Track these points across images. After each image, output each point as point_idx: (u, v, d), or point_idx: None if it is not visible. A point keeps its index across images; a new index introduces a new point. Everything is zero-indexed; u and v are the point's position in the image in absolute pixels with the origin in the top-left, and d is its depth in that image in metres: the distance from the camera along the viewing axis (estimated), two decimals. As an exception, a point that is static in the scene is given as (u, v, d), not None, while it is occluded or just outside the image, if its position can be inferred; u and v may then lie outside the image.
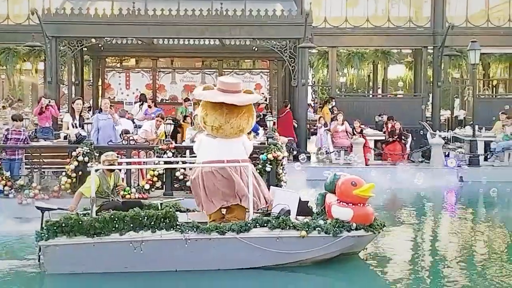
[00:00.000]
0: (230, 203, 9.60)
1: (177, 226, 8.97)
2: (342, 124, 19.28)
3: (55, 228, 8.75)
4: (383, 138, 19.65)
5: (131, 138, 14.31)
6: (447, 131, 21.65)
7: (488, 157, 18.76)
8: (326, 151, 19.38)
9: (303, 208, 9.89)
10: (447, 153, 18.82)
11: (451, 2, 22.67)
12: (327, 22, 22.12)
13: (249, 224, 9.11)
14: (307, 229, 9.14)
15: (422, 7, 23.08)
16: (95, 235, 8.80)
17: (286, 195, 9.91)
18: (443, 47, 21.29)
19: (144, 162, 13.44)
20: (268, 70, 22.31)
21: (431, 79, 22.74)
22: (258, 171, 12.18)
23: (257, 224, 9.13)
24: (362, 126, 19.43)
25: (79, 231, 8.78)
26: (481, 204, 15.50)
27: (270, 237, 9.06)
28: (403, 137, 19.52)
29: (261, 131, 16.85)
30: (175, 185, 12.66)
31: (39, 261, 9.18)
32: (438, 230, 12.84)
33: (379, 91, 29.24)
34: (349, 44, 23.35)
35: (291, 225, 9.14)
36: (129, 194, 12.16)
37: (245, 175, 9.52)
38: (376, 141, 19.57)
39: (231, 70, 22.32)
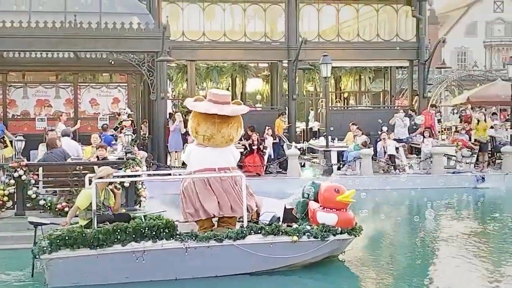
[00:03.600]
0: (226, 214, 9.98)
1: (177, 236, 9.31)
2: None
3: (58, 241, 8.89)
4: (242, 150, 19.93)
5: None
6: (303, 142, 22.37)
7: (341, 166, 19.63)
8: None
9: (288, 215, 10.42)
10: (302, 164, 19.46)
11: (304, 18, 23.51)
12: (185, 35, 22.15)
13: (244, 231, 9.56)
14: (298, 234, 9.71)
15: (277, 22, 23.74)
16: (98, 247, 9.00)
17: (273, 203, 10.50)
18: (297, 61, 22.02)
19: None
20: (126, 84, 21.94)
21: (287, 92, 23.43)
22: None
23: (252, 231, 9.61)
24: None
25: (82, 243, 8.97)
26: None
27: (264, 243, 9.59)
28: (261, 149, 19.92)
29: (119, 145, 16.53)
30: (28, 205, 12.07)
31: (32, 275, 9.40)
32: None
33: (238, 104, 29.67)
34: (208, 58, 23.53)
35: (283, 231, 9.72)
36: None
37: (239, 184, 9.98)
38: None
39: (87, 84, 21.71)
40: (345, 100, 30.61)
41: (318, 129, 24.19)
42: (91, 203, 9.43)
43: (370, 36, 23.58)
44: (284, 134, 21.80)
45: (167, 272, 9.30)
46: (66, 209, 11.85)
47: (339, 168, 19.66)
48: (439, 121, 28.88)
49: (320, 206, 10.12)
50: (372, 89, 30.38)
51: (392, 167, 19.65)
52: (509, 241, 12.54)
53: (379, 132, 20.33)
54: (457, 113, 30.15)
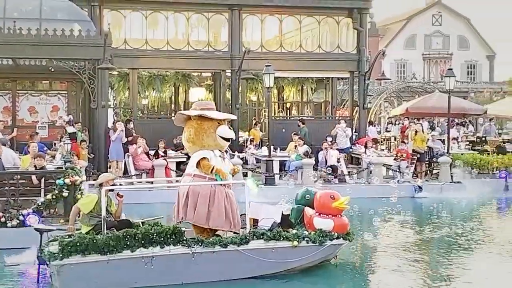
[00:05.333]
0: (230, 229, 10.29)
1: (184, 241, 9.60)
2: (140, 147, 19.20)
3: (69, 247, 9.05)
4: (184, 159, 19.85)
5: None
6: (246, 152, 22.43)
7: (283, 176, 19.77)
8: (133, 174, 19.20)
9: (285, 221, 10.76)
10: (245, 173, 19.50)
11: (248, 28, 23.69)
12: (127, 43, 21.98)
13: (248, 237, 9.95)
14: (297, 239, 10.15)
15: (220, 32, 23.84)
16: (108, 253, 9.19)
17: (271, 209, 10.88)
18: (240, 71, 22.13)
19: None
20: (66, 92, 21.60)
21: (230, 102, 23.48)
22: (54, 196, 11.78)
23: (255, 236, 10.01)
24: (166, 147, 19.60)
25: (93, 249, 9.14)
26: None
27: (266, 248, 10.02)
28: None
29: (58, 155, 16.25)
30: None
31: (38, 281, 9.64)
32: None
33: (181, 113, 29.54)
34: (150, 66, 23.40)
35: (284, 236, 10.14)
36: None
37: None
38: (178, 163, 19.74)
39: (25, 92, 21.27)
40: (288, 110, 30.89)
41: (261, 138, 24.30)
42: (94, 208, 9.73)
43: (312, 47, 23.91)
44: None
45: (174, 277, 9.60)
46: (3, 219, 11.61)
47: (281, 177, 19.80)
48: (378, 132, 29.53)
49: (316, 212, 10.64)
50: (314, 99, 30.76)
51: (333, 177, 19.89)
52: (442, 250, 12.87)
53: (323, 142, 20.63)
54: (398, 124, 30.84)
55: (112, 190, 10.17)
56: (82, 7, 20.65)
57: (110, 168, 19.77)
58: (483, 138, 26.63)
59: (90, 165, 18.29)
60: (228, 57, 22.69)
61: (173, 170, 19.19)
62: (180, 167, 19.61)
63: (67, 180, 11.90)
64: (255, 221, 10.64)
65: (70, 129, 19.50)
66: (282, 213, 10.87)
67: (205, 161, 10.20)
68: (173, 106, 29.95)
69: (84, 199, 10.10)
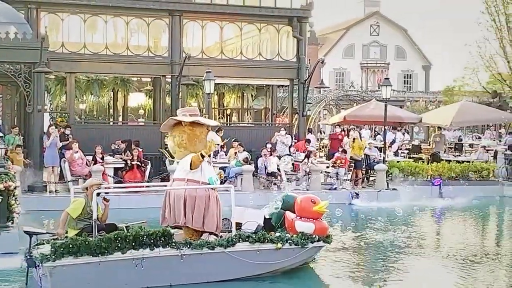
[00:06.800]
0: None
1: (173, 243, 9.89)
2: (77, 152, 18.88)
3: (62, 249, 9.26)
4: (122, 165, 19.62)
5: None
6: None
7: (223, 182, 19.75)
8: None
9: (267, 224, 11.23)
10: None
11: (188, 34, 23.60)
12: (64, 47, 21.55)
13: (234, 239, 10.32)
14: (281, 242, 10.58)
15: (160, 37, 23.67)
16: (100, 254, 9.42)
17: (254, 213, 11.38)
18: (180, 77, 22.01)
19: None
20: (1, 95, 21.05)
21: (170, 107, 23.30)
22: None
23: (240, 239, 10.38)
24: (103, 153, 19.33)
25: (85, 251, 9.37)
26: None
27: (251, 250, 10.40)
28: (142, 164, 19.69)
29: None
30: None
31: (26, 284, 9.86)
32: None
33: (120, 118, 29.23)
34: (88, 70, 23.01)
35: (268, 239, 10.56)
36: None
37: None
38: (116, 169, 19.49)
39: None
40: (228, 117, 30.92)
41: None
42: (81, 213, 10.07)
43: (253, 55, 24.03)
44: (166, 149, 21.63)
45: (163, 278, 9.90)
46: None
47: (222, 183, 19.74)
48: (318, 139, 29.88)
49: (297, 216, 11.04)
50: (254, 106, 30.91)
51: (273, 183, 20.02)
52: (381, 256, 13.17)
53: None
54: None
55: (98, 194, 10.25)
56: (18, 10, 20.13)
57: (45, 174, 19.36)
58: (419, 146, 27.36)
59: (25, 171, 17.85)
60: (168, 62, 22.55)
61: (110, 176, 18.92)
62: (118, 173, 19.37)
63: (0, 186, 11.58)
64: (237, 225, 10.99)
65: None
66: (265, 217, 11.31)
67: (194, 156, 10.53)
68: (111, 111, 29.55)
69: (73, 204, 10.27)
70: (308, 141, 23.36)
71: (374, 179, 21.58)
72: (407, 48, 66.63)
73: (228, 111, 30.97)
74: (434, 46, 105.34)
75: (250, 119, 30.76)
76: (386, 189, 20.82)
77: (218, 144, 22.07)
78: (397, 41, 66.12)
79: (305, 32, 24.52)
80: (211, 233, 10.66)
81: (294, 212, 11.20)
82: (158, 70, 22.84)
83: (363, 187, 21.24)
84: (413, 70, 66.67)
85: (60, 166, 19.14)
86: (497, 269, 12.24)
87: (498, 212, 20.42)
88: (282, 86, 27.94)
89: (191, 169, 10.53)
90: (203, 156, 10.51)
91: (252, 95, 29.50)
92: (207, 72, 20.10)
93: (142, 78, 26.76)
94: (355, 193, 20.02)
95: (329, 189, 20.20)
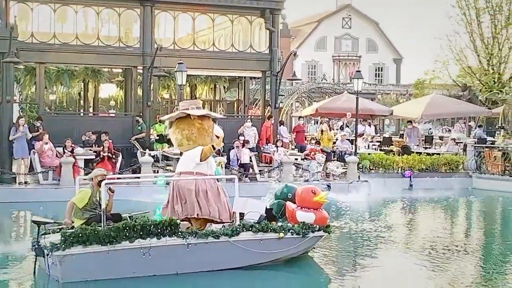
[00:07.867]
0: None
1: (179, 233, 10.13)
2: (47, 143, 18.66)
3: (72, 238, 9.48)
4: (93, 157, 19.46)
5: None
6: (157, 150, 22.19)
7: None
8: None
9: (268, 214, 11.38)
10: (156, 171, 19.34)
11: (160, 24, 23.39)
12: (34, 37, 21.20)
13: (238, 229, 10.54)
14: (283, 231, 10.81)
15: (132, 28, 23.41)
16: (108, 243, 9.65)
17: (256, 204, 11.46)
18: (152, 68, 21.82)
19: None
20: (-32, 86, 20.64)
21: (142, 99, 23.15)
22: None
23: (244, 229, 10.60)
24: (73, 145, 19.15)
25: (95, 240, 9.59)
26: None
27: (255, 239, 10.63)
28: (113, 156, 19.54)
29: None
30: None
31: (34, 273, 10.06)
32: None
33: (91, 109, 28.96)
34: (58, 61, 22.70)
35: (271, 228, 10.79)
36: None
37: None
38: (86, 160, 19.31)
39: None
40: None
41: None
42: (87, 203, 10.24)
43: (225, 46, 23.93)
44: (138, 140, 21.55)
45: (169, 267, 10.14)
46: None
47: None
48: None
49: (298, 206, 11.28)
50: (227, 98, 30.89)
51: (245, 175, 20.04)
52: (352, 248, 13.30)
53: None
54: (315, 124, 31.46)
55: (100, 185, 10.35)
56: (-14, -2, 19.81)
57: (14, 166, 19.12)
58: (389, 139, 27.59)
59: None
60: (140, 53, 22.31)
61: (81, 168, 18.76)
62: (89, 165, 19.19)
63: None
64: (240, 215, 11.09)
65: None
66: (266, 208, 11.51)
67: (206, 148, 10.96)
68: (82, 102, 29.28)
69: (79, 195, 10.43)
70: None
71: (346, 171, 21.71)
72: (379, 41, 67.11)
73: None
74: (406, 39, 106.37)
75: (223, 110, 30.71)
76: (357, 181, 20.98)
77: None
78: (369, 34, 66.55)
79: (278, 24, 24.50)
80: (215, 222, 10.95)
81: (295, 203, 11.45)
82: (129, 61, 22.59)
83: (334, 179, 21.35)
84: (385, 63, 67.20)
85: (30, 157, 18.91)
86: (465, 260, 12.42)
87: (467, 204, 20.72)
88: (255, 78, 27.88)
89: (201, 160, 10.91)
90: (214, 148, 11.00)
91: (224, 87, 29.47)
92: (179, 63, 19.99)
93: (113, 69, 26.56)
94: (327, 185, 20.11)
95: (301, 181, 20.27)
